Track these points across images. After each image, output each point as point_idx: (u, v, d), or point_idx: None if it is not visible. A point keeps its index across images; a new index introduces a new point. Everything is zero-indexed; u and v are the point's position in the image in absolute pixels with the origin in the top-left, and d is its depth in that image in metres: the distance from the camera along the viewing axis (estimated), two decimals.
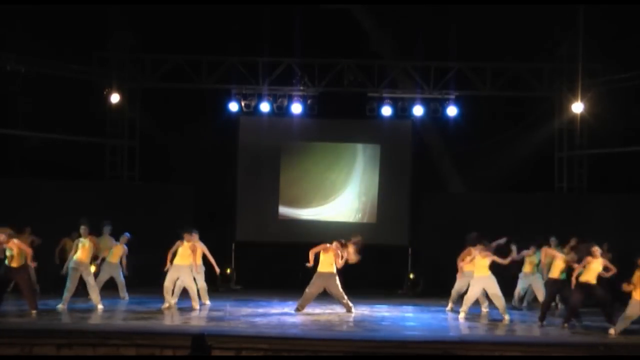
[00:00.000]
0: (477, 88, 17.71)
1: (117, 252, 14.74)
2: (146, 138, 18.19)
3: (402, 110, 17.77)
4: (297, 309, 13.61)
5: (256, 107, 17.77)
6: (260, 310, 13.82)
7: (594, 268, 12.39)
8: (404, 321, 13.03)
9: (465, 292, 13.84)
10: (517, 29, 16.42)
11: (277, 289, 16.25)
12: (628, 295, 11.78)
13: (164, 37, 17.27)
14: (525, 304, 14.69)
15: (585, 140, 17.83)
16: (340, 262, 13.53)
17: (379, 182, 18.11)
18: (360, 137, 18.37)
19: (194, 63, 17.77)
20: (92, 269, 13.94)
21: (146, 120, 18.00)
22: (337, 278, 13.56)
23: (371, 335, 11.45)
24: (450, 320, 13.33)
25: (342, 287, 13.63)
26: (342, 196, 18.18)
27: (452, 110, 17.57)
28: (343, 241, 13.64)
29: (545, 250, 13.66)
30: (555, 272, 12.95)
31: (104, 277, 14.53)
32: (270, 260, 17.78)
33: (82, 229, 13.54)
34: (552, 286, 13.05)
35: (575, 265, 12.54)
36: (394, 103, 17.72)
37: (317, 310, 13.74)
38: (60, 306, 13.29)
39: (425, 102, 17.71)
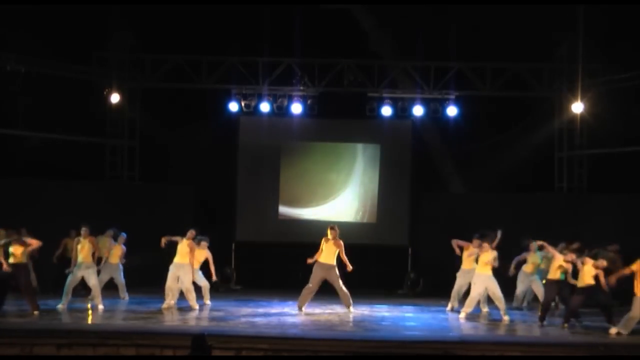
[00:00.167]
0: (477, 88, 17.72)
1: (116, 252, 14.76)
2: (146, 138, 18.20)
3: (402, 110, 17.77)
4: (299, 307, 13.63)
5: (256, 107, 17.77)
6: (260, 310, 13.83)
7: (587, 270, 12.38)
8: (404, 321, 13.03)
9: (466, 291, 13.86)
10: (517, 29, 16.41)
11: (277, 289, 16.26)
12: (629, 295, 11.77)
13: (164, 37, 17.27)
14: (525, 304, 14.68)
15: (585, 140, 17.83)
16: (344, 253, 13.56)
17: (379, 182, 18.11)
18: (360, 137, 18.37)
19: (194, 63, 17.78)
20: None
21: (146, 120, 18.01)
22: (336, 270, 13.58)
23: (371, 335, 11.45)
24: (450, 320, 13.33)
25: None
26: (342, 196, 18.19)
27: (452, 110, 17.58)
28: (333, 226, 13.74)
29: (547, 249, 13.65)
30: (554, 272, 12.95)
31: (104, 277, 14.53)
32: (270, 260, 17.79)
33: (83, 230, 13.54)
34: (551, 287, 13.05)
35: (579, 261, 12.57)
36: (394, 103, 17.72)
37: (317, 310, 13.75)
38: (60, 306, 13.30)
39: (425, 102, 17.71)
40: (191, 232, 13.93)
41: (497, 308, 13.35)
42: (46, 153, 17.02)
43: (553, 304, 13.98)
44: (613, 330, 11.75)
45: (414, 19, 16.76)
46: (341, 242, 13.64)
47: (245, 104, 17.77)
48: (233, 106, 17.79)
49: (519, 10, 16.24)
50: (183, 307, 13.76)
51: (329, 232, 13.67)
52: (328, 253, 13.60)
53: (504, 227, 15.54)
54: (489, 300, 13.88)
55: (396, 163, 18.14)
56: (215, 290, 15.59)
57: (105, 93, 17.62)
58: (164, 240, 13.84)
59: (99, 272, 14.37)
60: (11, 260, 12.68)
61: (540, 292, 13.92)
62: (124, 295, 14.87)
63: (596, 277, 12.35)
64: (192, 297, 13.76)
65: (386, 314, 13.88)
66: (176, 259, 13.78)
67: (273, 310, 13.86)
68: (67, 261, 14.23)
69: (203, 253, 14.25)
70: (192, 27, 16.87)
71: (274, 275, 17.54)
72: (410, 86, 17.83)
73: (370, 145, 18.27)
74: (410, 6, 16.67)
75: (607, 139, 17.03)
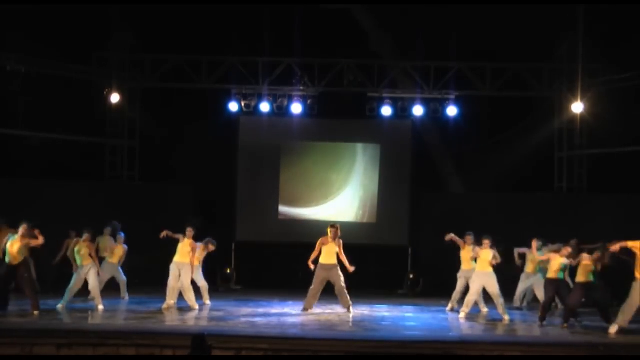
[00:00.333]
0: (477, 88, 17.72)
1: (117, 252, 14.76)
2: (146, 138, 18.21)
3: (402, 110, 17.78)
4: (305, 309, 13.62)
5: (256, 107, 17.78)
6: (260, 310, 13.82)
7: (585, 267, 12.38)
8: (404, 321, 13.03)
9: (466, 291, 13.86)
10: (517, 29, 16.42)
11: (277, 289, 16.26)
12: (626, 292, 11.78)
13: (164, 37, 17.28)
14: (525, 304, 14.69)
15: (585, 140, 17.84)
16: (343, 253, 13.56)
17: (379, 182, 18.11)
18: (360, 137, 18.37)
19: (194, 63, 17.78)
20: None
21: (146, 120, 18.01)
22: (339, 269, 13.58)
23: (371, 335, 11.45)
24: (450, 320, 13.32)
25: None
26: (342, 196, 18.19)
27: (452, 110, 17.58)
28: (335, 225, 13.74)
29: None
30: (552, 272, 12.95)
31: (104, 277, 14.52)
32: (270, 260, 17.79)
33: (85, 235, 13.56)
34: (550, 286, 13.05)
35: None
36: (394, 103, 17.72)
37: (317, 310, 13.74)
38: (60, 306, 13.30)
39: (425, 102, 17.72)
40: (190, 231, 13.91)
41: (496, 307, 13.34)
42: (46, 153, 17.02)
43: (553, 304, 13.97)
44: (613, 330, 11.73)
45: (414, 19, 16.76)
46: (340, 242, 13.63)
47: (245, 104, 17.77)
48: (233, 106, 17.80)
49: (519, 10, 16.23)
50: (183, 307, 13.76)
51: (329, 230, 13.65)
52: (329, 253, 13.59)
53: (504, 227, 15.61)
54: (489, 300, 13.88)
55: (396, 163, 18.14)
56: (215, 290, 15.61)
57: (105, 93, 17.62)
58: (164, 233, 13.83)
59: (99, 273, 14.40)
60: (8, 259, 12.68)
61: (540, 292, 13.91)
62: (125, 295, 14.87)
63: (594, 274, 12.36)
64: (191, 296, 13.76)
65: (386, 314, 13.87)
66: (176, 258, 13.78)
67: (273, 310, 13.86)
68: (68, 262, 14.20)
69: (202, 249, 14.30)
70: (192, 27, 16.87)
71: (274, 275, 17.54)
72: (410, 86, 17.83)
73: (370, 145, 18.27)
74: (410, 6, 16.67)
75: (607, 139, 17.03)
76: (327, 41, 17.21)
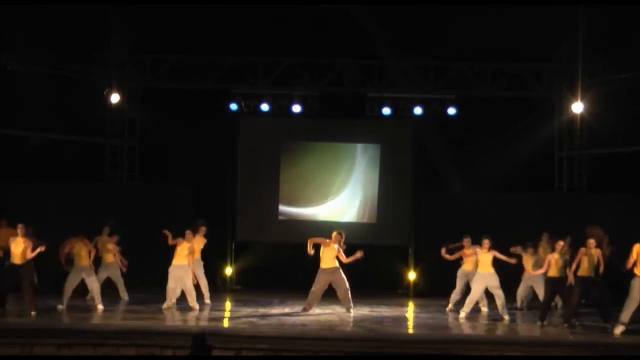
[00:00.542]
0: (477, 88, 17.72)
1: (113, 251, 14.73)
2: (146, 138, 18.20)
3: (402, 110, 17.76)
4: (305, 309, 13.62)
5: (256, 107, 17.76)
6: (260, 310, 13.83)
7: (586, 260, 12.38)
8: (404, 321, 13.03)
9: (466, 292, 13.86)
10: (517, 29, 16.41)
11: (277, 289, 16.25)
12: (625, 290, 11.79)
13: (164, 37, 17.26)
14: (525, 303, 14.68)
15: (585, 140, 17.83)
16: (344, 256, 13.55)
17: (379, 182, 18.09)
18: (360, 137, 18.35)
19: (194, 63, 17.78)
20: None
21: (146, 120, 18.01)
22: (341, 271, 13.57)
23: (371, 335, 11.45)
24: (450, 320, 13.33)
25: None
26: (342, 196, 18.17)
27: (452, 110, 17.58)
28: (341, 231, 13.77)
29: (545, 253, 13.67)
30: (553, 270, 12.95)
31: (101, 277, 14.52)
32: (270, 260, 17.77)
33: (71, 237, 13.62)
34: (550, 285, 13.05)
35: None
36: (394, 103, 17.71)
37: (317, 311, 13.74)
38: (60, 306, 13.30)
39: (425, 102, 17.70)
40: (189, 234, 13.91)
41: (496, 308, 13.35)
42: (46, 153, 17.01)
43: (553, 303, 13.98)
44: (618, 330, 11.69)
45: (414, 19, 16.75)
46: (341, 247, 13.64)
47: (245, 104, 17.76)
48: (233, 106, 17.79)
49: (519, 10, 16.23)
50: (183, 307, 13.76)
51: (334, 235, 13.64)
52: (329, 257, 13.59)
53: (504, 227, 15.60)
54: (489, 300, 13.89)
55: (396, 163, 18.12)
56: (215, 290, 15.61)
57: (105, 93, 17.61)
58: (167, 235, 13.85)
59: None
60: (12, 258, 12.70)
61: (540, 291, 13.91)
62: (124, 295, 14.87)
63: (596, 270, 12.36)
64: (192, 297, 13.76)
65: (386, 314, 13.88)
66: (175, 261, 13.76)
67: (273, 310, 13.86)
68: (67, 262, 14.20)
69: (202, 241, 14.30)
70: (192, 27, 16.85)
71: (274, 275, 17.52)
72: (410, 86, 17.82)
73: (370, 145, 18.25)
74: (410, 6, 16.66)
75: (607, 139, 17.03)
76: (327, 41, 17.20)
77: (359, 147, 18.29)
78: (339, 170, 18.20)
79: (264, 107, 17.72)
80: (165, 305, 13.63)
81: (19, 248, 12.72)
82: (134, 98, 18.21)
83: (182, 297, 13.94)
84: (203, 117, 17.85)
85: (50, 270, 14.60)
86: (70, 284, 13.55)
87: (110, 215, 15.74)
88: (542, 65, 17.79)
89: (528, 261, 14.20)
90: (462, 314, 13.38)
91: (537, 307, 13.67)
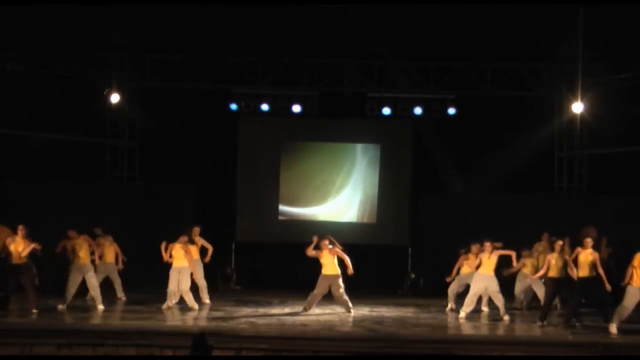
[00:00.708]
0: (477, 88, 17.72)
1: (110, 252, 14.73)
2: (146, 138, 18.19)
3: (402, 110, 17.77)
4: (305, 309, 13.63)
5: (256, 107, 17.77)
6: (260, 310, 13.83)
7: (583, 260, 12.39)
8: (404, 321, 13.03)
9: (463, 292, 13.87)
10: (517, 29, 16.41)
11: (277, 289, 16.25)
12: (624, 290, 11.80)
13: (164, 37, 17.26)
14: (525, 303, 14.68)
15: (585, 140, 17.84)
16: (344, 254, 13.57)
17: (379, 182, 18.10)
18: (360, 137, 18.36)
19: (194, 63, 17.78)
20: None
21: (146, 120, 18.01)
22: (340, 279, 13.59)
23: (371, 335, 11.45)
24: (450, 320, 13.33)
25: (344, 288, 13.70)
26: (342, 196, 18.17)
27: (452, 110, 17.58)
28: (326, 237, 13.79)
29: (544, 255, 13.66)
30: (553, 271, 12.95)
31: (99, 277, 14.50)
32: (270, 260, 17.78)
33: (70, 232, 13.61)
34: (551, 285, 13.05)
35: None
36: (394, 103, 17.71)
37: (317, 311, 13.74)
38: (60, 306, 13.30)
39: (425, 102, 17.71)
40: (183, 238, 13.89)
41: (497, 308, 13.35)
42: (46, 153, 17.01)
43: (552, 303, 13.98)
44: (613, 329, 11.71)
45: (414, 19, 16.75)
46: (335, 250, 13.64)
47: (245, 104, 17.76)
48: (233, 106, 17.79)
49: (519, 10, 16.23)
50: (183, 307, 13.76)
51: (324, 244, 13.68)
52: (330, 263, 13.61)
53: (504, 227, 15.59)
54: (489, 300, 13.89)
55: (396, 163, 18.13)
56: (215, 290, 15.61)
57: (105, 93, 17.61)
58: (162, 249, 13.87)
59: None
60: (12, 258, 12.71)
61: (540, 291, 13.91)
62: (121, 295, 14.86)
63: (595, 270, 12.37)
64: (189, 297, 13.76)
65: (386, 314, 13.88)
66: (175, 264, 13.76)
67: (273, 310, 13.86)
68: (67, 262, 14.19)
69: (199, 241, 14.29)
70: (192, 27, 16.85)
71: (274, 275, 17.53)
72: (410, 86, 17.83)
73: (370, 145, 18.26)
74: (410, 6, 16.66)
75: (607, 139, 17.03)
76: (327, 41, 17.20)
77: (359, 147, 18.29)
78: (339, 170, 18.20)
79: (264, 107, 17.73)
80: (165, 306, 13.62)
81: (19, 248, 12.71)
82: (134, 98, 18.21)
83: (182, 298, 13.94)
84: (203, 117, 17.86)
85: (50, 270, 14.61)
86: (73, 284, 13.54)
87: (109, 215, 15.76)
88: (542, 65, 17.79)
89: (528, 263, 14.20)
90: (462, 314, 13.38)
91: (537, 307, 13.67)
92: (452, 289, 14.23)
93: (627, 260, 11.99)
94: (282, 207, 18.15)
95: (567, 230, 14.59)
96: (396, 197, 18.05)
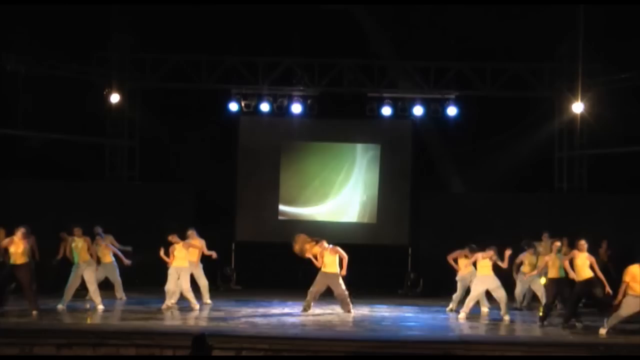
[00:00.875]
0: (477, 88, 17.72)
1: (107, 251, 14.72)
2: (146, 138, 18.19)
3: (402, 110, 17.77)
4: (304, 309, 13.61)
5: (256, 107, 17.77)
6: (260, 310, 13.83)
7: (580, 263, 12.38)
8: (404, 321, 13.03)
9: (466, 294, 13.87)
10: (517, 29, 16.41)
11: (277, 289, 16.25)
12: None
13: (164, 37, 17.27)
14: (525, 303, 14.68)
15: (585, 140, 17.84)
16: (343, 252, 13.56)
17: (379, 182, 18.10)
18: (360, 137, 18.36)
19: (194, 63, 17.78)
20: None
21: (146, 120, 18.00)
22: (340, 278, 13.58)
23: (371, 335, 11.46)
24: (451, 320, 13.33)
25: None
26: (342, 196, 18.17)
27: (452, 110, 17.58)
28: (317, 240, 13.83)
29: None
30: (553, 272, 12.95)
31: (99, 277, 14.50)
32: (270, 260, 17.76)
33: (76, 230, 13.57)
34: (551, 286, 13.05)
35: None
36: (394, 103, 17.72)
37: (317, 311, 13.74)
38: (60, 306, 13.30)
39: (425, 102, 17.71)
40: (173, 237, 13.90)
41: (497, 308, 13.35)
42: (46, 153, 17.02)
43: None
44: (603, 331, 11.71)
45: (414, 19, 16.76)
46: (336, 249, 13.65)
47: (245, 104, 17.76)
48: (233, 106, 17.79)
49: (519, 10, 16.23)
50: (183, 307, 13.76)
51: (322, 243, 13.70)
52: (330, 262, 13.60)
53: (504, 227, 15.60)
54: (490, 300, 13.89)
55: (396, 163, 18.12)
56: (215, 289, 15.62)
57: (105, 93, 17.62)
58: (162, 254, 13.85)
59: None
60: (12, 259, 12.70)
61: (540, 291, 13.91)
62: (121, 295, 14.86)
63: (594, 272, 12.37)
64: (191, 297, 13.76)
65: (386, 314, 13.88)
66: (175, 263, 13.76)
67: (273, 310, 13.86)
68: (67, 263, 14.18)
69: (197, 242, 14.28)
70: (192, 27, 16.86)
71: (274, 275, 17.52)
72: (410, 86, 17.83)
73: (370, 145, 18.26)
74: (410, 6, 16.66)
75: (607, 139, 17.03)
76: (327, 41, 17.20)
77: (359, 147, 18.29)
78: (339, 170, 18.20)
79: (264, 107, 17.73)
80: (164, 306, 13.62)
81: (19, 249, 12.70)
82: (134, 98, 18.21)
83: (183, 297, 13.94)
84: (203, 117, 17.87)
85: (50, 270, 14.62)
86: (72, 284, 13.54)
87: (109, 215, 15.76)
88: (542, 65, 17.78)
89: (530, 261, 14.20)
90: (462, 314, 13.38)
91: (537, 307, 13.68)
92: (458, 295, 14.18)
93: (627, 261, 11.96)
94: (282, 207, 18.16)
95: (567, 230, 14.62)
96: (396, 197, 18.05)
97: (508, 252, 13.71)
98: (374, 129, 18.27)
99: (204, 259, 14.55)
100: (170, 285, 13.70)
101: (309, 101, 17.78)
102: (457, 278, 14.20)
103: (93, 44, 17.36)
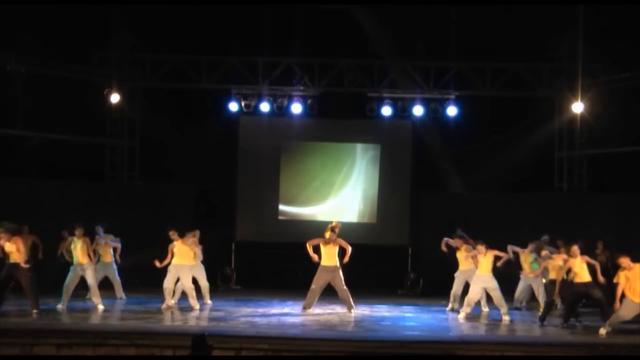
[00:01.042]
0: (477, 88, 17.72)
1: (107, 250, 14.72)
2: (146, 138, 18.20)
3: (402, 110, 17.78)
4: (304, 308, 13.59)
5: (256, 107, 17.78)
6: (260, 310, 13.83)
7: (577, 270, 12.36)
8: (404, 321, 13.03)
9: (465, 292, 13.86)
10: (517, 29, 16.42)
11: (277, 289, 16.25)
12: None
13: (164, 37, 17.28)
14: (524, 303, 14.68)
15: (585, 140, 17.84)
16: (347, 245, 13.51)
17: (379, 182, 18.11)
18: (360, 137, 18.37)
19: (194, 63, 17.78)
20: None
21: (146, 120, 18.01)
22: (340, 271, 13.55)
23: (371, 335, 11.45)
24: (450, 320, 13.32)
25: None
26: (342, 196, 18.19)
27: (452, 110, 17.59)
28: (332, 227, 13.65)
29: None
30: (553, 273, 12.94)
31: (98, 277, 14.48)
32: (270, 260, 17.78)
33: (77, 230, 13.55)
34: (552, 286, 13.04)
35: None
36: (394, 103, 17.73)
37: (317, 310, 13.73)
38: (60, 306, 13.30)
39: (425, 102, 17.72)
40: (173, 234, 13.87)
41: (497, 308, 13.35)
42: (46, 153, 17.02)
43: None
44: (603, 331, 11.71)
45: (414, 19, 16.76)
46: (339, 241, 13.58)
47: (245, 104, 17.77)
48: (233, 106, 17.80)
49: (519, 10, 16.24)
50: (183, 307, 13.76)
51: (328, 233, 13.61)
52: (329, 255, 13.55)
53: (504, 227, 15.59)
54: (489, 300, 13.88)
55: (396, 163, 18.13)
56: (215, 289, 15.61)
57: (105, 93, 17.62)
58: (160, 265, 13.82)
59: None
60: (11, 259, 12.70)
61: (540, 291, 13.91)
62: (121, 294, 14.86)
63: (593, 273, 12.36)
64: (192, 296, 13.75)
65: (386, 314, 13.87)
66: (175, 260, 13.74)
67: (273, 310, 13.86)
68: (67, 263, 14.18)
69: (195, 246, 14.26)
70: (192, 27, 16.87)
71: (274, 275, 17.53)
72: (410, 86, 17.83)
73: (370, 145, 18.27)
74: (410, 6, 16.67)
75: (607, 139, 17.03)
76: (327, 41, 17.22)
77: (359, 147, 18.30)
78: (339, 170, 18.21)
79: (264, 107, 17.74)
80: (164, 305, 13.61)
81: (18, 248, 12.69)
82: (134, 98, 18.21)
83: (183, 297, 13.94)
84: (203, 117, 17.87)
85: (50, 270, 14.62)
86: (71, 283, 13.54)
87: (109, 215, 15.75)
88: (542, 65, 17.78)
89: (527, 260, 14.22)
90: (462, 314, 13.38)
91: (537, 307, 13.67)
92: (454, 291, 14.20)
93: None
94: (282, 207, 18.16)
95: (566, 230, 14.62)
96: (396, 197, 18.06)
97: (511, 249, 13.78)
98: (374, 129, 18.28)
99: (204, 259, 14.53)
100: (168, 283, 13.67)
101: (309, 101, 17.78)
102: (456, 274, 14.21)
103: (93, 44, 17.37)
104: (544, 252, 13.52)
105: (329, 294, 14.00)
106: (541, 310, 13.11)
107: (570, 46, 16.93)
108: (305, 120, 18.08)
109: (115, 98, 17.53)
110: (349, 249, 13.52)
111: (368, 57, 17.85)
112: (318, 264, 13.63)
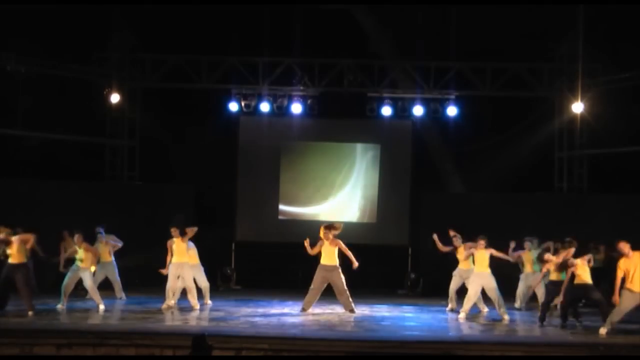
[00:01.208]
0: (477, 88, 17.72)
1: (107, 250, 14.70)
2: (146, 138, 18.21)
3: (402, 110, 17.79)
4: (303, 309, 13.58)
5: (256, 107, 17.79)
6: (260, 310, 13.82)
7: (581, 271, 12.36)
8: (404, 321, 13.02)
9: (463, 291, 13.86)
10: (517, 29, 16.43)
11: (277, 289, 16.26)
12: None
13: (164, 37, 17.29)
14: (524, 304, 14.67)
15: (585, 140, 17.85)
16: (345, 247, 13.49)
17: (379, 182, 18.11)
18: (360, 137, 18.37)
19: (194, 63, 17.79)
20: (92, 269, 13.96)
21: (146, 120, 18.02)
22: (340, 271, 13.53)
23: (371, 335, 11.44)
24: (450, 320, 13.31)
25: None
26: (342, 196, 18.19)
27: (452, 110, 17.60)
28: (327, 226, 13.63)
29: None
30: (554, 273, 12.94)
31: (98, 277, 14.50)
32: (270, 260, 17.78)
33: (77, 237, 13.52)
34: (553, 287, 13.04)
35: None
36: (394, 103, 17.73)
37: (317, 310, 13.73)
38: (59, 306, 13.30)
39: (425, 102, 17.73)
40: (175, 231, 13.85)
41: (495, 307, 13.34)
42: (46, 153, 17.02)
43: (552, 304, 13.96)
44: (603, 330, 11.70)
45: (414, 19, 16.77)
46: (337, 241, 13.57)
47: (245, 104, 17.78)
48: (233, 106, 17.81)
49: (519, 10, 16.24)
50: (183, 307, 13.76)
51: (322, 232, 13.60)
52: (328, 254, 13.53)
53: (504, 227, 15.58)
54: (488, 300, 13.88)
55: (396, 163, 18.14)
56: (215, 289, 15.61)
57: (105, 93, 17.64)
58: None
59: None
60: (10, 259, 12.70)
61: (540, 291, 13.91)
62: (121, 294, 14.85)
63: (593, 274, 12.37)
64: (193, 296, 13.75)
65: (386, 314, 13.87)
66: (174, 259, 13.73)
67: (273, 310, 13.86)
68: (67, 263, 14.18)
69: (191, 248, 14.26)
70: (192, 27, 16.88)
71: (274, 275, 17.54)
72: (410, 86, 17.84)
73: (370, 145, 18.27)
74: (410, 6, 16.67)
75: (607, 139, 17.04)
76: (327, 41, 17.23)
77: (359, 147, 18.30)
78: (339, 170, 18.22)
79: (264, 107, 17.75)
80: (164, 305, 13.60)
81: (14, 248, 12.69)
82: (134, 98, 18.22)
83: (183, 297, 13.94)
84: (203, 117, 17.88)
85: (50, 270, 14.63)
86: (69, 283, 13.53)
87: (109, 215, 15.76)
88: (542, 65, 17.79)
89: (528, 259, 14.21)
90: (462, 314, 13.37)
91: (537, 307, 13.67)
92: (452, 288, 14.22)
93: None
94: (282, 207, 18.17)
95: (566, 230, 14.59)
96: (396, 197, 18.06)
97: (513, 244, 13.78)
98: (374, 129, 18.28)
99: (204, 260, 14.53)
100: (170, 283, 13.67)
101: (309, 101, 17.79)
102: (454, 273, 14.21)
103: (93, 44, 17.39)
104: (546, 256, 13.52)
105: (329, 294, 13.99)
106: (540, 310, 13.09)
107: (570, 46, 16.94)
108: (305, 120, 18.08)
109: (115, 98, 17.54)
110: (349, 254, 13.49)
111: (368, 57, 17.86)
112: (317, 263, 13.64)
